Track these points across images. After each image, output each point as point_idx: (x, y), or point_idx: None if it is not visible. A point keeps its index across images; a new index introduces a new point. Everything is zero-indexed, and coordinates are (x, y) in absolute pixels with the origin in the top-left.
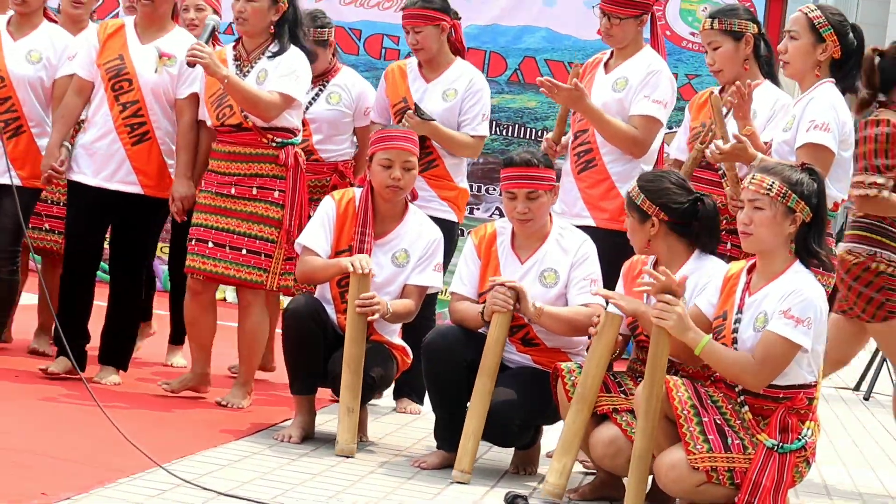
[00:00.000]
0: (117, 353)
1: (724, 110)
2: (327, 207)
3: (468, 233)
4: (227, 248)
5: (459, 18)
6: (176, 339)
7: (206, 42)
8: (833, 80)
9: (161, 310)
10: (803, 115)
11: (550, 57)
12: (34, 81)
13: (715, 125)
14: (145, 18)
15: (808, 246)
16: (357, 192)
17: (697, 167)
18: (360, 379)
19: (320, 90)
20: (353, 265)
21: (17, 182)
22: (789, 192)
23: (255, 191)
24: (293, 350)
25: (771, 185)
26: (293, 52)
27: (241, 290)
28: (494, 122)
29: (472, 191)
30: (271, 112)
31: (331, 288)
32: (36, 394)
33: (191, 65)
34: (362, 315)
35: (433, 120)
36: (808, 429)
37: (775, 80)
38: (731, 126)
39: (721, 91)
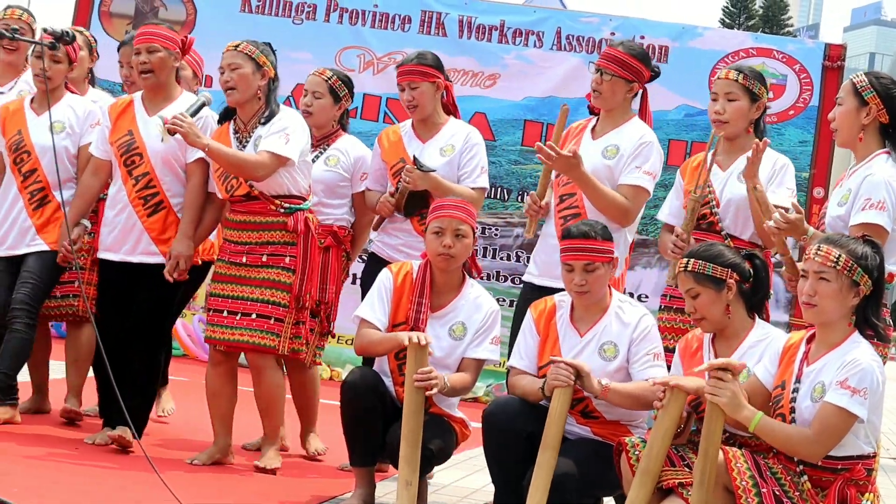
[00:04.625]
0: (138, 416)
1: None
2: (384, 280)
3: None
4: (240, 315)
5: (451, 82)
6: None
7: (193, 115)
8: (888, 150)
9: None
10: (859, 192)
11: None
12: (58, 150)
13: (701, 181)
14: (149, 91)
15: (866, 317)
16: (415, 264)
17: (702, 230)
18: (418, 452)
19: (320, 153)
20: (410, 339)
21: (44, 248)
22: (855, 265)
23: (265, 258)
24: (352, 422)
25: (838, 258)
26: (284, 112)
27: (250, 356)
28: None
29: (527, 263)
30: (259, 172)
31: (389, 361)
32: (93, 461)
33: (171, 133)
34: (420, 389)
35: (433, 171)
36: (867, 500)
37: None
38: (739, 185)
39: (714, 153)
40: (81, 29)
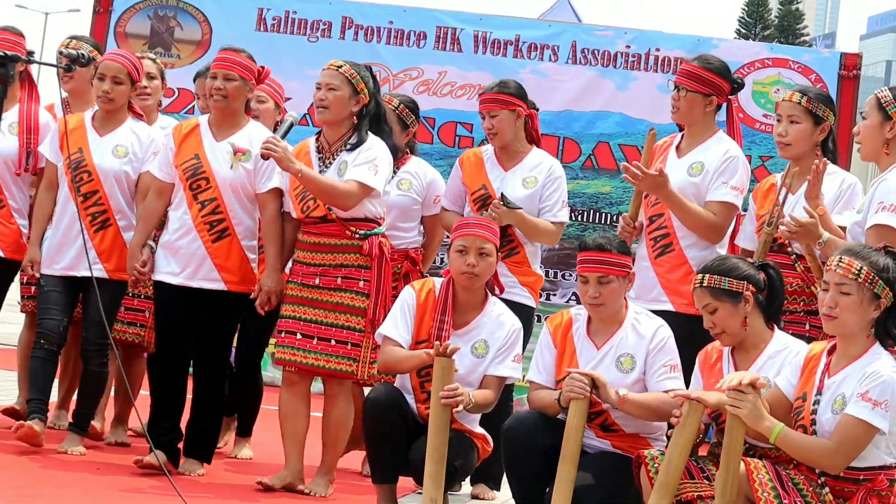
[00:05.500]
0: (202, 445)
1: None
2: (407, 297)
3: (544, 319)
4: (316, 339)
5: (537, 109)
6: (243, 431)
7: (283, 137)
8: None
9: None
10: (874, 197)
11: (624, 142)
12: (119, 175)
13: (775, 214)
14: (219, 114)
15: (888, 329)
16: (437, 281)
17: (772, 252)
18: (443, 469)
19: (391, 177)
20: (436, 350)
21: (103, 275)
22: (877, 277)
23: (339, 280)
24: (375, 440)
25: (859, 271)
26: (372, 141)
27: (328, 381)
28: (570, 208)
29: (548, 277)
30: (348, 202)
31: (411, 378)
32: (119, 486)
33: (264, 157)
34: (446, 406)
35: (520, 209)
36: None
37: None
38: (801, 205)
39: (787, 185)
40: (154, 57)
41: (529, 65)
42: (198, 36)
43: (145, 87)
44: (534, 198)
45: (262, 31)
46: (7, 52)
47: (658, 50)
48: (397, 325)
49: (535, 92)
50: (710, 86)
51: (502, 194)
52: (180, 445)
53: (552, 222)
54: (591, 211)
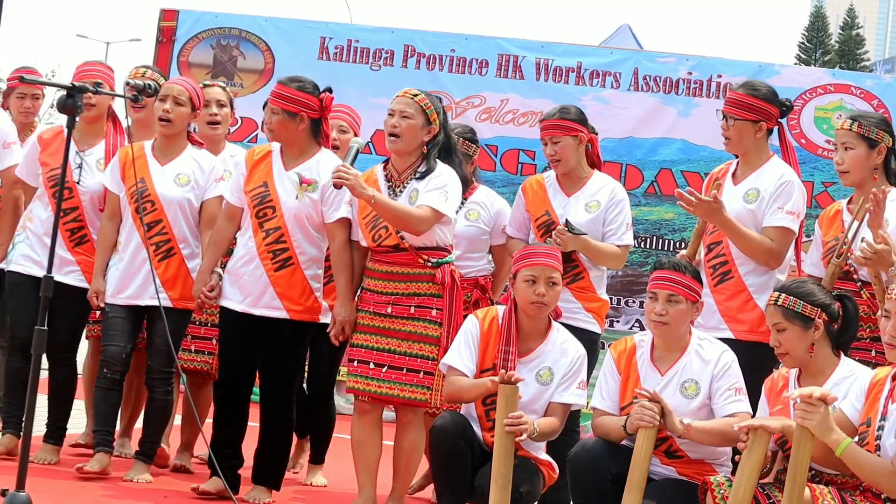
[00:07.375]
0: (270, 473)
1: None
2: (470, 326)
3: (608, 346)
4: (388, 367)
5: (597, 133)
6: (316, 458)
7: (352, 164)
8: None
9: None
10: None
11: (686, 168)
12: (182, 203)
13: (848, 232)
14: (281, 145)
15: None
16: (500, 310)
17: (839, 278)
18: (508, 495)
19: (459, 207)
20: (501, 378)
21: (168, 304)
22: None
23: (413, 310)
24: (442, 467)
25: None
26: (442, 168)
27: (401, 409)
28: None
29: (611, 303)
30: (422, 227)
31: (476, 406)
32: None
33: (337, 186)
34: (510, 433)
35: (585, 234)
36: None
37: None
38: (866, 235)
39: (849, 203)
40: (224, 84)
41: (591, 92)
42: (260, 65)
43: (216, 115)
44: (597, 221)
45: (325, 60)
46: (75, 83)
47: (720, 76)
48: (461, 354)
49: (597, 119)
50: (757, 112)
51: (567, 220)
52: (241, 472)
53: (617, 245)
54: (654, 237)
